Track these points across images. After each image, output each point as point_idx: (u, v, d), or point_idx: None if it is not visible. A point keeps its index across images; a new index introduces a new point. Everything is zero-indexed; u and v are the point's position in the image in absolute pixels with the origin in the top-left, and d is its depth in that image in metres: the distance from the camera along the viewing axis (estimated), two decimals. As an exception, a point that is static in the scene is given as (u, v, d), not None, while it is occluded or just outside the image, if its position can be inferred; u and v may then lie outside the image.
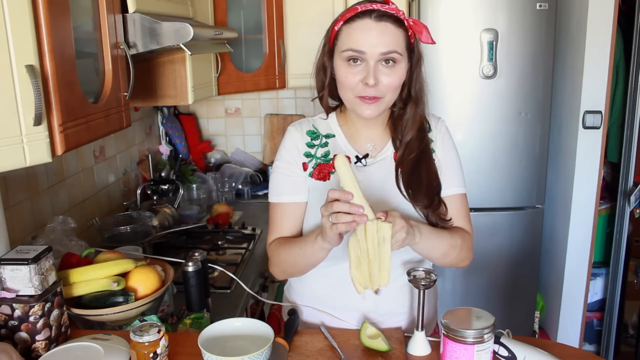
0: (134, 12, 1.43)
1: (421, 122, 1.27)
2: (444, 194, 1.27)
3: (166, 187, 2.44)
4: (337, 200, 1.03)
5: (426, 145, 1.27)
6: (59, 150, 1.09)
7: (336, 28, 1.20)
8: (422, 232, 1.16)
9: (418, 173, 1.24)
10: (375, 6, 1.16)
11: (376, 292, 1.14)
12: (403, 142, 1.26)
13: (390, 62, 1.16)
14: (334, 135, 1.31)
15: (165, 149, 2.83)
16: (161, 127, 2.84)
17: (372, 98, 1.17)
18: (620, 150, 2.57)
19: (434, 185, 1.25)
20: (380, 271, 1.08)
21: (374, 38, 1.14)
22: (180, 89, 1.86)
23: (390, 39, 1.15)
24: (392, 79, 1.16)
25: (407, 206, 1.24)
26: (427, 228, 1.20)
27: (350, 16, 1.17)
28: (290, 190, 1.28)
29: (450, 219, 1.28)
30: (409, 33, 1.18)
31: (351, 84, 1.17)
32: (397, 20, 1.16)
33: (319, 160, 1.28)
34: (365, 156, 1.28)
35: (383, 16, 1.15)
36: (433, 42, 1.18)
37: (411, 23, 1.17)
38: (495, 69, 2.41)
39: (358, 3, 1.18)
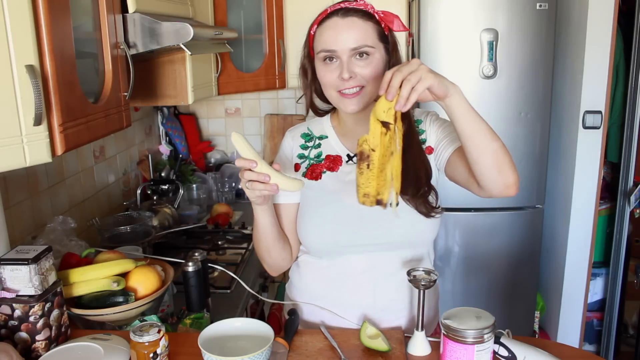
0: (134, 12, 1.44)
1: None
2: (451, 151, 1.23)
3: (166, 187, 2.44)
4: (248, 170, 1.13)
5: (412, 134, 1.24)
6: (59, 150, 1.09)
7: (312, 32, 1.25)
8: (457, 90, 1.04)
9: (404, 163, 1.22)
10: (343, 5, 1.21)
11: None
12: None
13: (364, 55, 1.19)
14: (327, 136, 1.34)
15: (165, 149, 2.82)
16: (161, 127, 2.84)
17: (353, 94, 1.20)
18: (620, 150, 2.57)
19: (421, 173, 1.24)
20: (386, 184, 1.07)
21: (342, 34, 1.18)
22: (180, 89, 1.86)
23: (358, 34, 1.18)
24: (367, 70, 1.19)
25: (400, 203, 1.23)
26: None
27: (322, 18, 1.22)
28: (283, 192, 1.28)
29: (439, 207, 1.27)
30: (382, 25, 1.21)
31: (330, 81, 1.21)
32: (365, 14, 1.19)
33: (311, 161, 1.32)
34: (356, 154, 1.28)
35: (350, 11, 1.19)
36: (406, 29, 1.24)
37: (381, 15, 1.21)
38: (495, 69, 2.41)
39: (330, 6, 1.22)
